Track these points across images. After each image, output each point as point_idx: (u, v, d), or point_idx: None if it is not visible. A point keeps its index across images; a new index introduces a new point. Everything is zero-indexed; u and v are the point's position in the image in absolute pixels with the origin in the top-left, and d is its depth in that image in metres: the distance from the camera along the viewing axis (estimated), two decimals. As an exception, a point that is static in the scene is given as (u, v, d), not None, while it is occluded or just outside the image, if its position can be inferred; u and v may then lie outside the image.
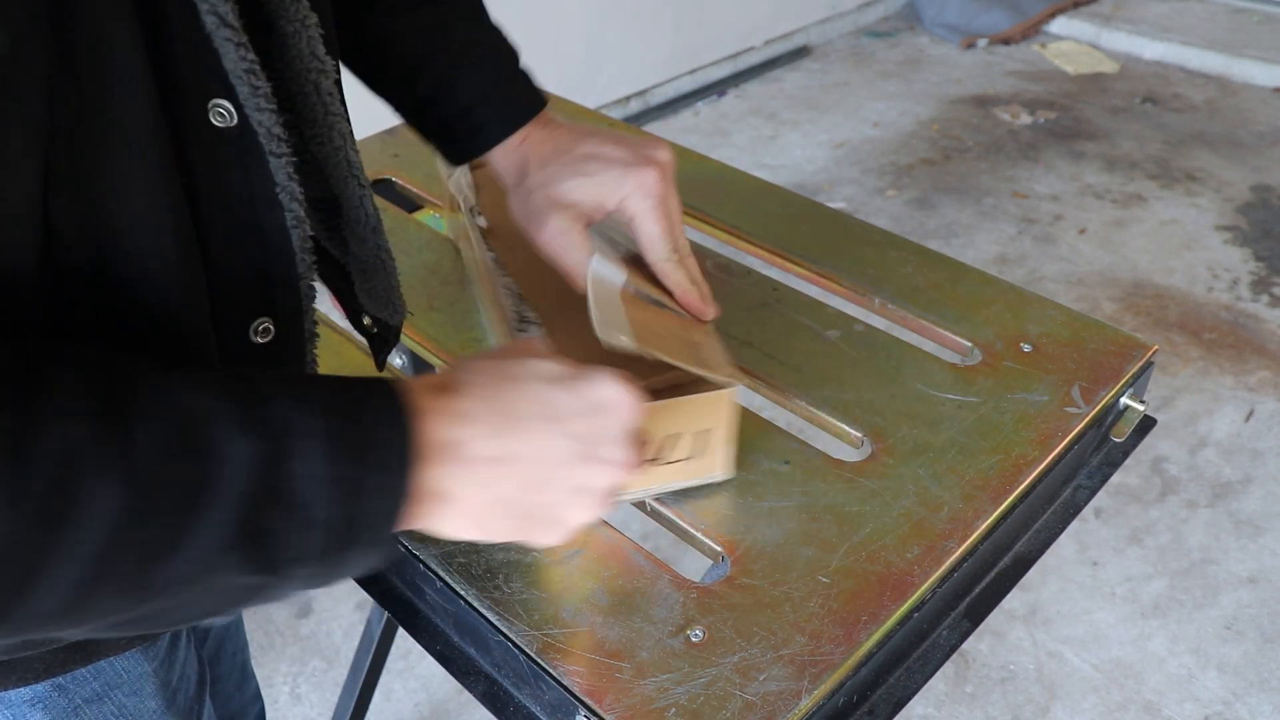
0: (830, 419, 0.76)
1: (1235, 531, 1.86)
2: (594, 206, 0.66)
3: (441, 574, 0.65)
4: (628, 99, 3.28)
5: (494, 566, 0.65)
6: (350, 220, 0.64)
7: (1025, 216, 2.77)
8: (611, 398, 0.49)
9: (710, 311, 0.70)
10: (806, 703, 0.57)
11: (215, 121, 0.48)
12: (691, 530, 0.68)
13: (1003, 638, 1.68)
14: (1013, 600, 1.72)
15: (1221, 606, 1.72)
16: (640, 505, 0.71)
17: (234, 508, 0.40)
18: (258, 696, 0.98)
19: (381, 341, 0.72)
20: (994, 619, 1.61)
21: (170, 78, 0.45)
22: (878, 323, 0.87)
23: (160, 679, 0.66)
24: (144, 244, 0.45)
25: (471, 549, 0.67)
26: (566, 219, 0.66)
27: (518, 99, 0.72)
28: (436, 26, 0.71)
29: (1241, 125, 3.25)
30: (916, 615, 0.64)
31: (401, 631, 1.22)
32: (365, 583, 0.73)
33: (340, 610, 1.73)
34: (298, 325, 0.57)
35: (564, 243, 0.66)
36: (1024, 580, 0.74)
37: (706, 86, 3.49)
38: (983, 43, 3.85)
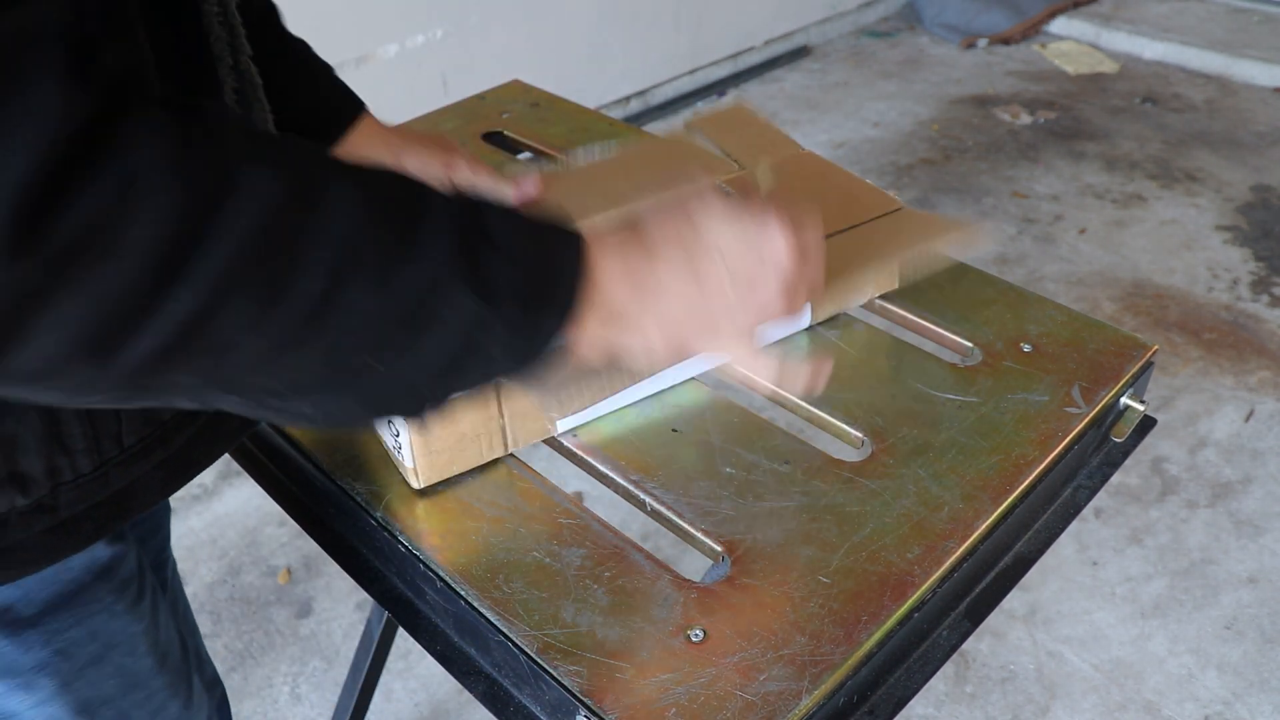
0: (830, 419, 0.76)
1: (1235, 531, 1.86)
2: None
3: (441, 574, 0.65)
4: (628, 99, 3.28)
5: (494, 566, 0.65)
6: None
7: (1025, 216, 2.77)
8: (777, 248, 0.54)
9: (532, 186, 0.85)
10: (807, 703, 0.57)
11: None
12: (691, 530, 0.68)
13: (1003, 638, 1.68)
14: (1013, 600, 1.72)
15: (1221, 606, 1.72)
16: (640, 505, 0.71)
17: (451, 228, 0.44)
18: (217, 681, 1.00)
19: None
20: (994, 619, 1.61)
21: None
22: (878, 323, 0.87)
23: (150, 639, 0.68)
24: None
25: (471, 549, 0.67)
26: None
27: (344, 101, 0.85)
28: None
29: (1241, 125, 3.25)
30: (917, 615, 0.64)
31: (401, 631, 1.22)
32: (365, 583, 0.73)
33: (340, 610, 1.73)
34: None
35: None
36: (1024, 580, 0.74)
37: (706, 86, 3.49)
38: (983, 43, 3.85)
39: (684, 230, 0.53)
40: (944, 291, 0.89)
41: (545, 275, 0.47)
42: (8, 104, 0.33)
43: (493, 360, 0.46)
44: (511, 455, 0.74)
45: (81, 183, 0.34)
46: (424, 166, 0.82)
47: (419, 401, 0.47)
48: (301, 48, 0.82)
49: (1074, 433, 0.75)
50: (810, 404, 0.77)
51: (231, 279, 0.38)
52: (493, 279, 0.44)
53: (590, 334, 0.49)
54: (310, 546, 1.80)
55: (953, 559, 0.65)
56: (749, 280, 0.53)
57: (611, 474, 0.73)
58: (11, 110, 0.33)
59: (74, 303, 0.35)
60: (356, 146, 0.83)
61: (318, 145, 0.43)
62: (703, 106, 3.39)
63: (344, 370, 0.43)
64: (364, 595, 1.39)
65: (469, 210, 0.46)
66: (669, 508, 0.70)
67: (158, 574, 0.78)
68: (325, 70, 0.84)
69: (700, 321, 0.53)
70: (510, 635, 0.61)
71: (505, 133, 1.17)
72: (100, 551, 0.63)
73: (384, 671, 1.38)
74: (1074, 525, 0.78)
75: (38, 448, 0.52)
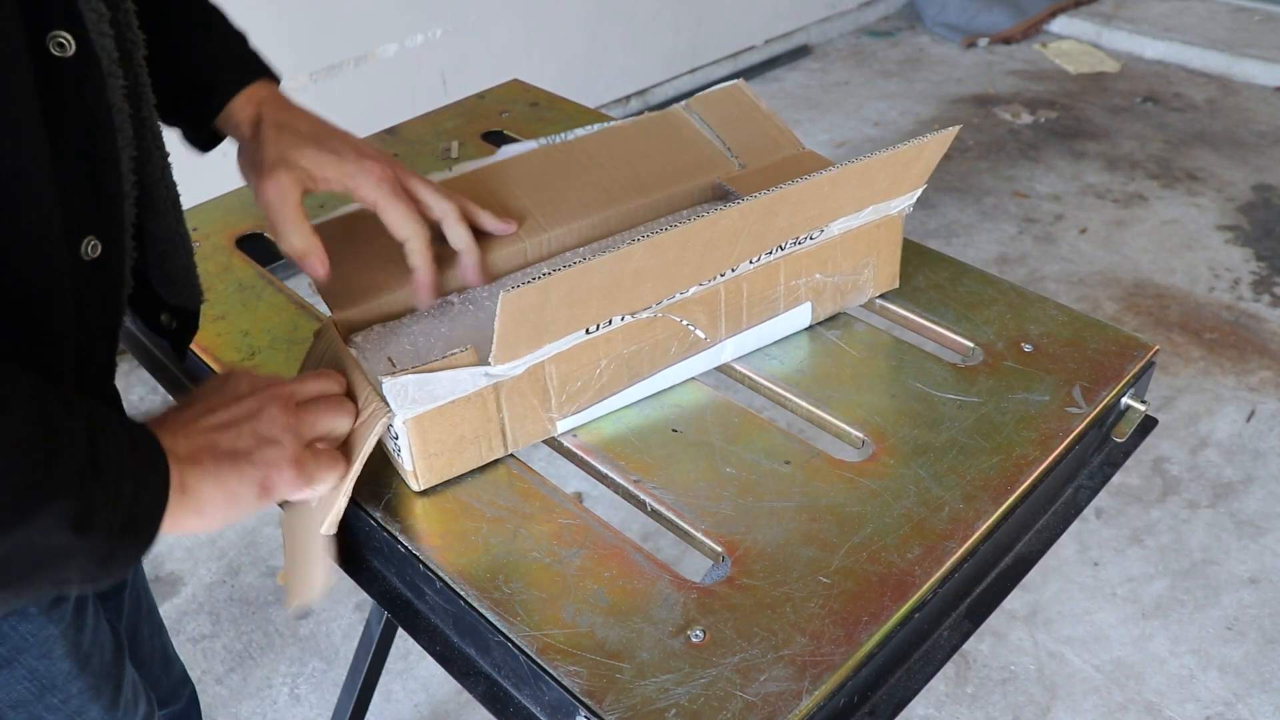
0: (830, 419, 0.76)
1: (1236, 532, 1.85)
2: (321, 177, 0.74)
3: (441, 574, 0.65)
4: (628, 98, 3.28)
5: (494, 567, 0.65)
6: (152, 195, 0.68)
7: (1026, 216, 2.77)
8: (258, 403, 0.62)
9: (512, 224, 0.83)
10: (807, 703, 0.57)
11: (55, 52, 0.53)
12: (691, 530, 0.68)
13: (1004, 638, 1.68)
14: (1013, 601, 1.72)
15: (1223, 607, 1.72)
16: (640, 505, 0.71)
17: (68, 482, 0.48)
18: (186, 679, 1.00)
19: (182, 335, 0.78)
20: (995, 619, 1.61)
21: (21, 9, 0.51)
22: (878, 323, 0.87)
23: (70, 641, 0.68)
24: (7, 163, 0.51)
25: (471, 549, 0.67)
26: (291, 178, 0.73)
27: (250, 60, 0.79)
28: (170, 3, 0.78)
29: (1243, 125, 3.24)
30: (917, 616, 0.63)
31: (401, 632, 1.22)
32: (365, 583, 0.73)
33: (340, 611, 1.73)
34: (120, 245, 0.63)
35: (282, 198, 0.73)
36: (1025, 581, 0.74)
37: (706, 86, 3.48)
38: (983, 42, 3.85)
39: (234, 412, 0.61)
40: (944, 291, 0.89)
41: (140, 498, 0.52)
42: None
43: (65, 579, 0.51)
44: (511, 455, 0.74)
45: None
46: (376, 192, 0.75)
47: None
48: (213, 10, 0.79)
49: (1075, 433, 0.74)
50: (810, 404, 0.77)
51: None
52: (94, 514, 0.49)
53: (173, 524, 0.56)
54: (310, 546, 1.80)
55: (953, 559, 0.65)
56: (279, 406, 0.62)
57: (611, 474, 0.72)
58: None
59: None
60: (274, 144, 0.76)
61: None
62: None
63: None
64: (363, 595, 1.38)
65: (87, 443, 0.50)
66: (669, 508, 0.69)
67: None
68: (229, 34, 0.79)
69: (258, 465, 0.60)
70: (510, 635, 0.61)
71: (505, 132, 1.17)
72: None
73: (383, 672, 1.38)
74: (1075, 525, 0.78)
75: None
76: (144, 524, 0.53)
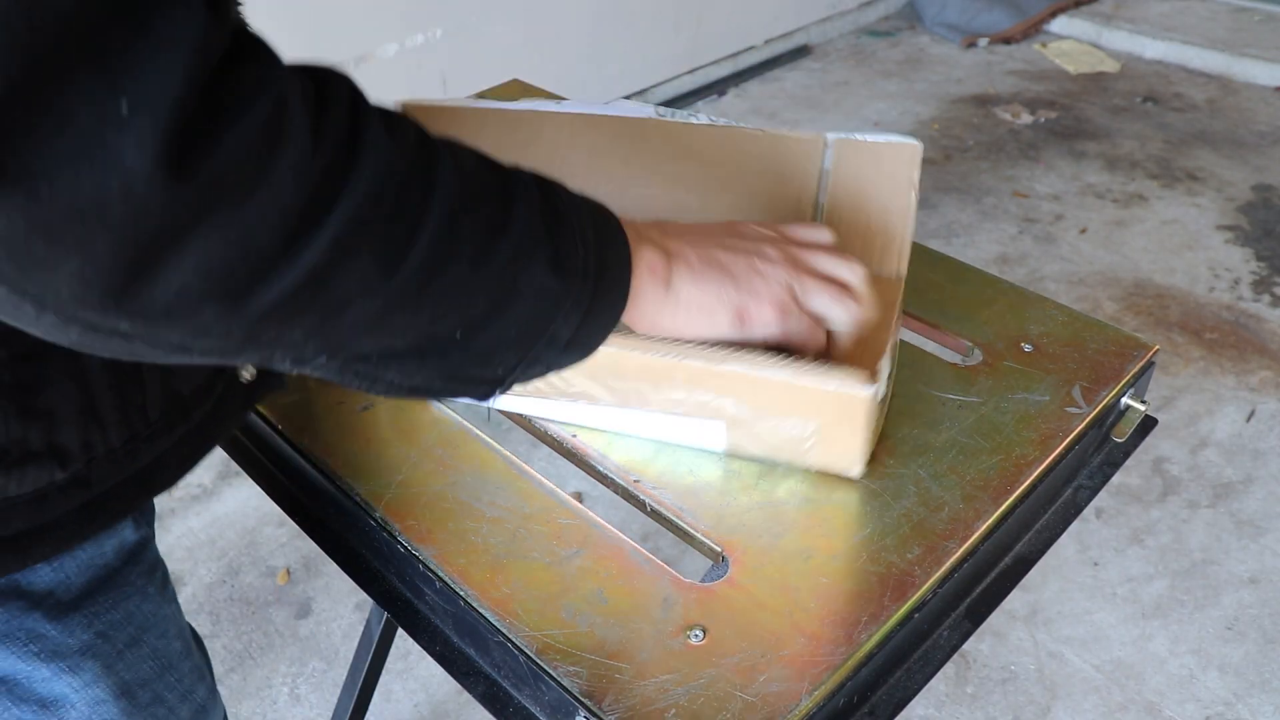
0: (831, 419, 0.76)
1: (1236, 532, 1.85)
2: None
3: (441, 574, 0.65)
4: (628, 98, 3.28)
5: (494, 567, 0.65)
6: None
7: (1026, 216, 2.77)
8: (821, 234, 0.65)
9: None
10: (807, 703, 0.57)
11: None
12: (691, 530, 0.68)
13: (1003, 638, 1.68)
14: (1013, 601, 1.72)
15: (1223, 607, 1.72)
16: (640, 505, 0.71)
17: (534, 206, 0.47)
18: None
19: (265, 388, 0.70)
20: (995, 619, 1.61)
21: None
22: (878, 322, 0.86)
23: (177, 624, 0.69)
24: None
25: (471, 549, 0.67)
26: None
27: None
28: None
29: (1243, 125, 3.24)
30: (917, 616, 0.63)
31: (401, 632, 1.22)
32: (364, 583, 0.73)
33: (340, 611, 1.73)
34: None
35: None
36: (1025, 581, 0.74)
37: (706, 86, 3.49)
38: (983, 42, 3.84)
39: (707, 228, 0.60)
40: (944, 291, 0.89)
41: (605, 255, 0.50)
42: (153, 25, 0.32)
43: (558, 341, 0.49)
44: (511, 455, 0.74)
45: (233, 113, 0.34)
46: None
47: (490, 380, 0.49)
48: None
49: (1075, 433, 0.74)
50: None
51: (358, 236, 0.38)
52: (568, 258, 0.48)
53: (647, 310, 0.55)
54: (309, 547, 1.80)
55: (953, 559, 0.65)
56: (782, 253, 0.60)
57: (611, 474, 0.72)
58: (160, 29, 0.32)
59: (220, 236, 0.35)
60: None
61: (404, 115, 0.44)
62: (703, 106, 3.39)
63: (435, 339, 0.45)
64: (363, 596, 1.38)
65: (543, 187, 0.49)
66: (669, 508, 0.69)
67: None
68: None
69: (742, 290, 0.58)
70: (509, 636, 0.61)
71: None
72: (128, 535, 0.64)
73: (383, 672, 1.38)
74: (1075, 525, 0.78)
75: (74, 419, 0.53)
76: (615, 278, 0.52)
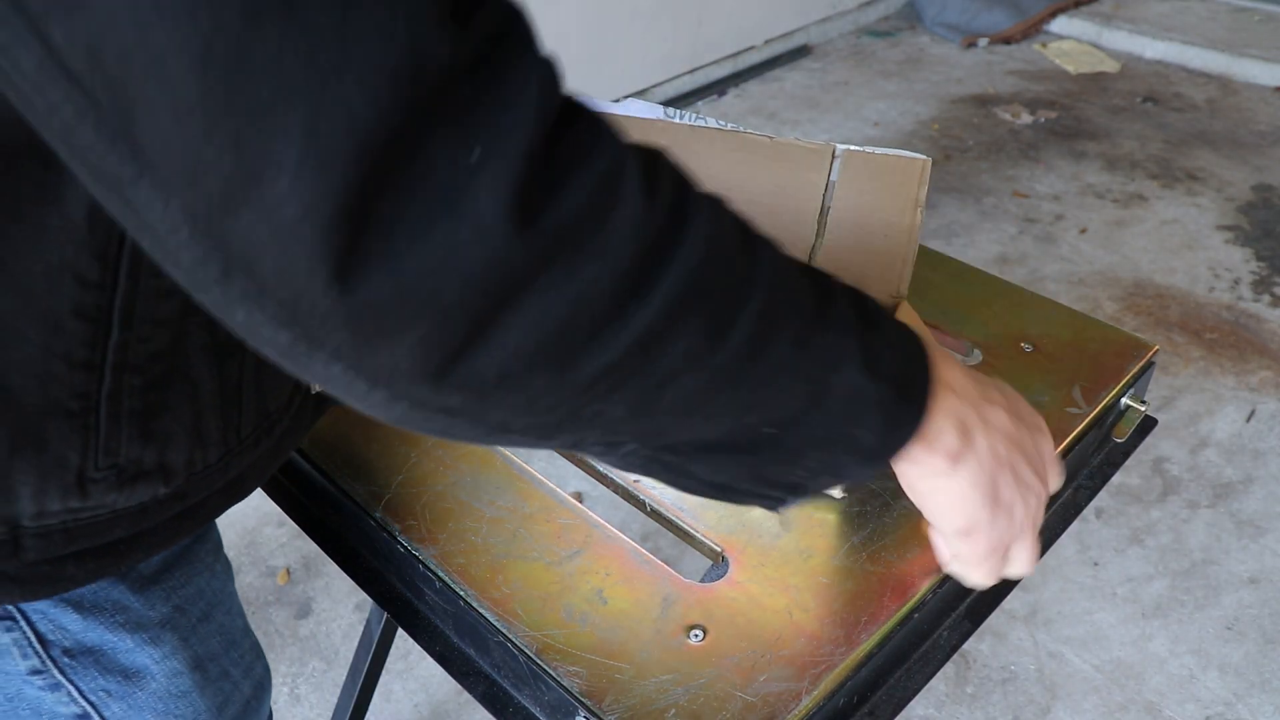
0: (831, 419, 0.76)
1: (1236, 532, 1.85)
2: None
3: (441, 574, 0.65)
4: (627, 98, 3.28)
5: (494, 567, 0.65)
6: None
7: (1026, 216, 2.77)
8: (1046, 440, 0.58)
9: None
10: (807, 703, 0.57)
11: None
12: (691, 530, 0.68)
13: (1003, 638, 1.68)
14: (1013, 601, 1.72)
15: (1223, 607, 1.72)
16: (640, 505, 0.71)
17: (844, 300, 0.45)
18: None
19: (331, 398, 0.70)
20: (994, 619, 1.61)
21: None
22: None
23: (238, 601, 0.71)
24: None
25: (471, 549, 0.67)
26: None
27: None
28: None
29: (1243, 125, 3.24)
30: (917, 616, 0.63)
31: (401, 632, 1.22)
32: (364, 583, 0.73)
33: (340, 611, 1.73)
34: None
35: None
36: (1025, 581, 0.74)
37: (706, 86, 3.49)
38: (983, 42, 3.85)
39: (1006, 402, 0.56)
40: (944, 291, 0.89)
41: (912, 363, 0.48)
42: (504, 79, 0.32)
43: (859, 447, 0.47)
44: (511, 455, 0.74)
45: (573, 168, 0.34)
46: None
47: (790, 486, 0.48)
48: None
49: (1075, 433, 0.74)
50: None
51: (687, 302, 0.37)
52: (880, 361, 0.45)
53: (937, 439, 0.51)
54: (309, 547, 1.80)
55: (953, 559, 0.65)
56: (1030, 484, 0.56)
57: (611, 474, 0.72)
58: (509, 84, 0.33)
59: (557, 292, 0.34)
60: None
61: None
62: (703, 106, 3.39)
63: (747, 431, 0.43)
64: (363, 596, 1.39)
65: (851, 290, 0.47)
66: (668, 508, 0.69)
67: None
68: None
69: (997, 516, 0.55)
70: (509, 636, 0.61)
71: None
72: None
73: (383, 672, 1.38)
74: (1075, 525, 0.78)
75: (184, 440, 0.54)
76: (919, 392, 0.49)
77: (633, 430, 0.41)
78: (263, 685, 0.74)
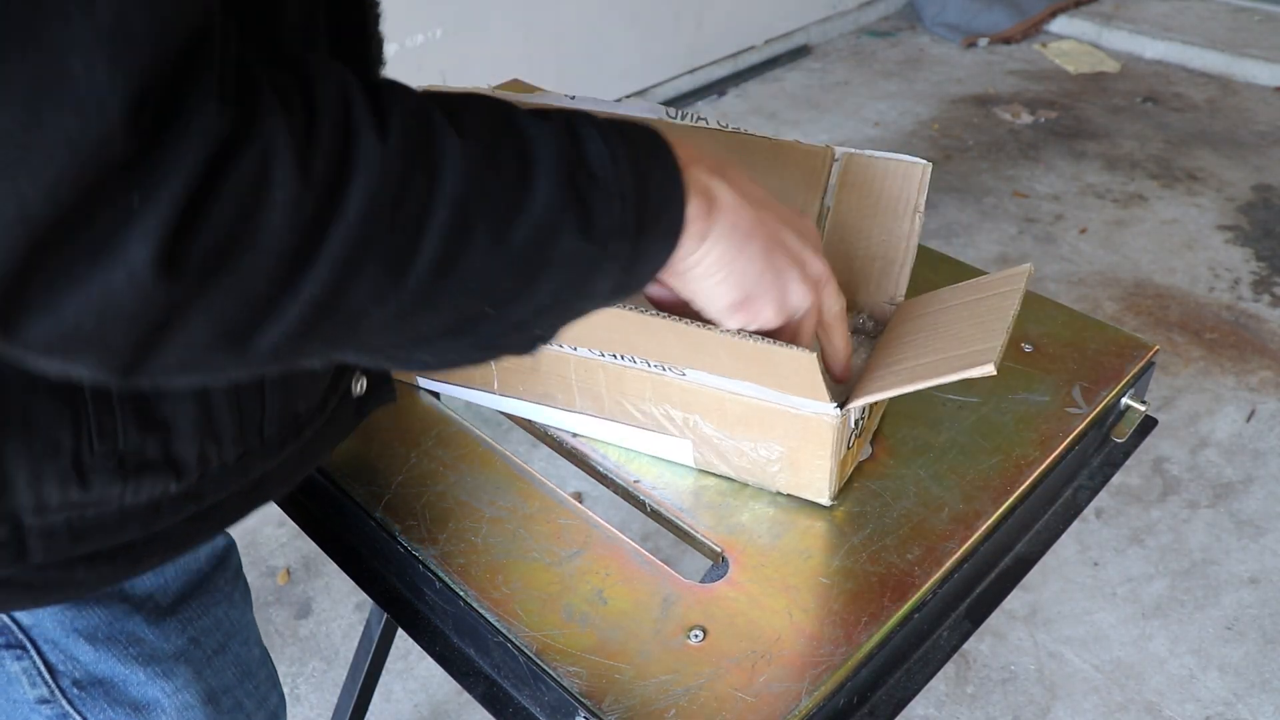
0: (831, 419, 0.76)
1: (1236, 532, 1.85)
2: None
3: (441, 575, 0.65)
4: (627, 98, 3.28)
5: (494, 567, 0.65)
6: None
7: (1026, 216, 2.77)
8: (814, 229, 0.59)
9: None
10: (807, 703, 0.57)
11: None
12: (691, 530, 0.68)
13: (1003, 638, 1.68)
14: (1013, 601, 1.71)
15: (1223, 607, 1.72)
16: (640, 505, 0.71)
17: (555, 171, 0.44)
18: None
19: (375, 401, 0.69)
20: (995, 619, 1.61)
21: None
22: (878, 322, 0.86)
23: (255, 631, 0.70)
24: None
25: (471, 549, 0.66)
26: None
27: None
28: None
29: (1243, 125, 3.24)
30: (917, 616, 0.63)
31: (401, 632, 1.22)
32: (365, 583, 0.73)
33: (340, 611, 1.73)
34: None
35: None
36: (1025, 581, 0.74)
37: (706, 86, 3.49)
38: (983, 42, 3.84)
39: (754, 188, 0.55)
40: (944, 291, 0.89)
41: (647, 205, 0.47)
42: (172, 129, 0.34)
43: (599, 294, 0.48)
44: (511, 455, 0.74)
45: (220, 191, 0.35)
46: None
47: (529, 339, 0.49)
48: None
49: (1075, 433, 0.74)
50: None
51: (358, 256, 0.38)
52: (599, 218, 0.45)
53: (689, 256, 0.51)
54: (309, 547, 1.80)
55: (953, 559, 0.65)
56: (798, 252, 0.56)
57: (611, 474, 0.72)
58: (177, 131, 0.34)
59: (217, 304, 0.36)
60: None
61: (414, 93, 0.43)
62: (703, 106, 3.39)
63: (463, 319, 0.45)
64: (363, 596, 1.38)
65: (568, 142, 0.46)
66: (669, 508, 0.69)
67: None
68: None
69: (764, 273, 0.55)
70: (509, 636, 0.61)
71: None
72: (219, 540, 0.65)
73: (383, 672, 1.38)
74: (1075, 525, 0.78)
75: (191, 433, 0.53)
76: (663, 226, 0.49)
77: (342, 352, 0.43)
78: (276, 716, 0.73)
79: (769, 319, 0.56)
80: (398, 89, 0.42)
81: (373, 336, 0.42)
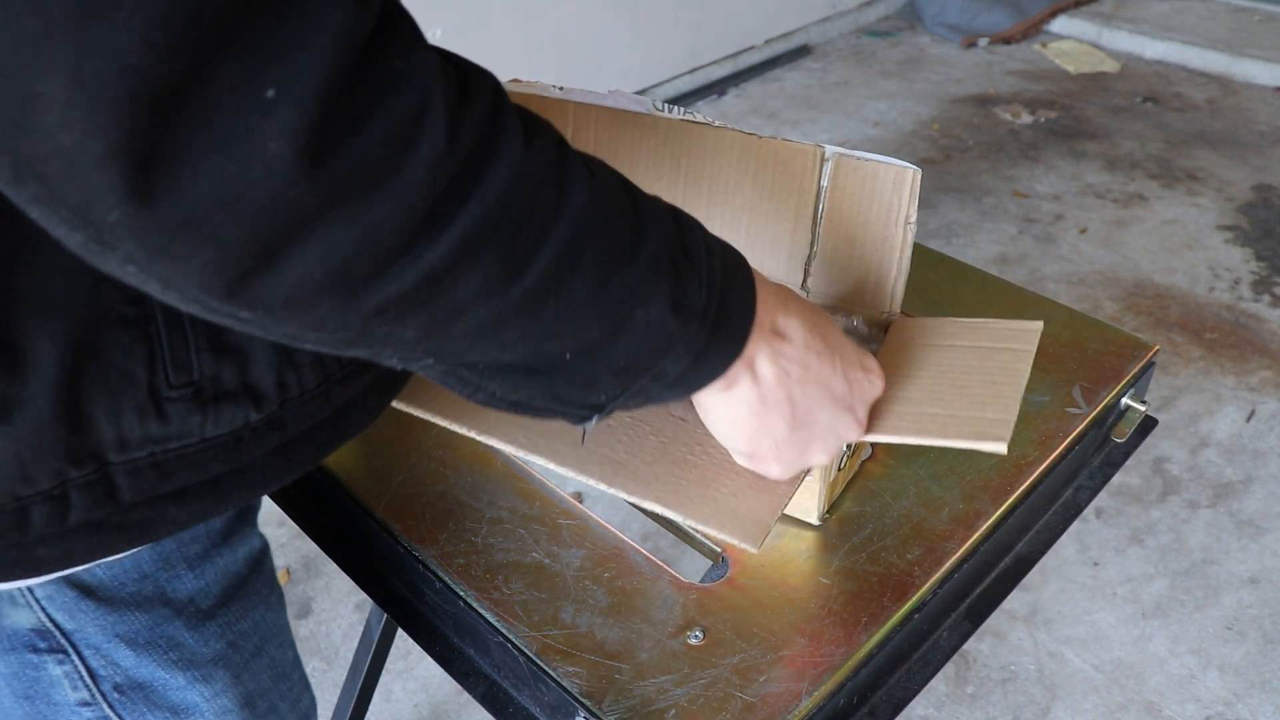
0: (831, 419, 0.76)
1: (1236, 532, 1.85)
2: None
3: (441, 575, 0.65)
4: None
5: (493, 567, 0.65)
6: None
7: (1026, 216, 2.77)
8: (879, 376, 0.60)
9: None
10: (807, 704, 0.57)
11: None
12: (691, 530, 0.68)
13: (1003, 638, 1.68)
14: (1013, 601, 1.72)
15: (1223, 607, 1.72)
16: (640, 505, 0.71)
17: (662, 239, 0.46)
18: None
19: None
20: (995, 620, 1.61)
21: None
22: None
23: (289, 633, 0.70)
24: None
25: (471, 549, 0.66)
26: None
27: None
28: None
29: (1243, 125, 3.24)
30: (917, 616, 0.63)
31: (401, 632, 1.22)
32: (365, 583, 0.73)
33: (340, 611, 1.73)
34: None
35: None
36: (1025, 581, 0.74)
37: (706, 86, 3.49)
38: (983, 42, 3.84)
39: (823, 325, 0.57)
40: (944, 291, 0.89)
41: (728, 303, 0.49)
42: (298, 12, 0.32)
43: (665, 377, 0.49)
44: (511, 456, 0.74)
45: (375, 103, 0.34)
46: None
47: (590, 404, 0.49)
48: None
49: (1075, 433, 0.74)
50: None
51: (482, 241, 0.38)
52: (688, 298, 0.47)
53: (750, 376, 0.53)
54: (309, 547, 1.80)
55: (953, 560, 0.65)
56: (841, 390, 0.57)
57: (611, 474, 0.72)
58: (300, 19, 0.32)
59: (345, 228, 0.35)
60: None
61: (550, 124, 0.43)
62: (703, 106, 3.39)
63: (543, 358, 0.45)
64: (363, 596, 1.38)
65: (672, 220, 0.48)
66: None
67: None
68: None
69: (808, 416, 0.56)
70: (509, 636, 0.61)
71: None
72: (255, 542, 0.65)
73: (384, 672, 1.38)
74: (1075, 525, 0.78)
75: (267, 360, 0.52)
76: (733, 331, 0.50)
77: (426, 349, 0.42)
78: (308, 717, 0.73)
79: (776, 475, 0.58)
80: (540, 118, 0.43)
81: (462, 341, 0.42)
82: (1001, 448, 0.57)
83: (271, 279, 0.35)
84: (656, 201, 0.48)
